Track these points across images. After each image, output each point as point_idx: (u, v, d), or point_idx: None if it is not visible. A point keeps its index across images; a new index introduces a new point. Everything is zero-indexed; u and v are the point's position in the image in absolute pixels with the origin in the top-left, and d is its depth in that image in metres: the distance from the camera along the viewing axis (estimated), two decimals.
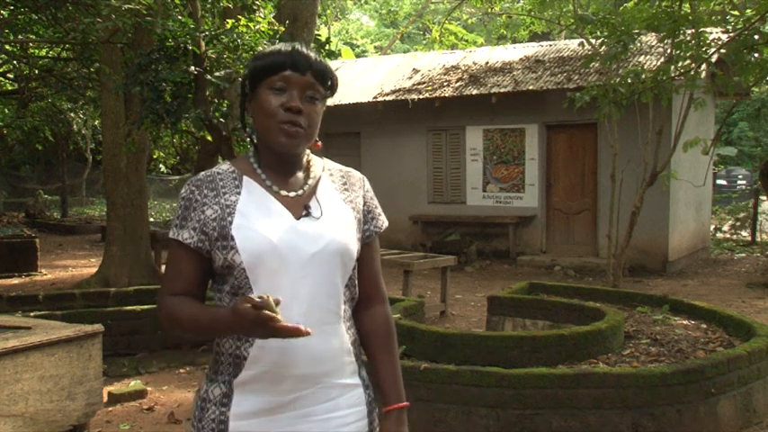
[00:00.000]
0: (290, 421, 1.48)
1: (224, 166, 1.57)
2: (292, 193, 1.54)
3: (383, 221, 1.68)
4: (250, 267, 1.45)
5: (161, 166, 18.13)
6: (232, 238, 1.45)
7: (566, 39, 14.71)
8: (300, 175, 1.58)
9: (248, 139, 1.62)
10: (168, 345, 5.53)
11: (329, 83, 1.54)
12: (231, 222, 1.47)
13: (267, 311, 1.28)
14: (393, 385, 1.61)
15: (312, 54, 1.52)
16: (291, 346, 1.44)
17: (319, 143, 1.60)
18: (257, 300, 1.29)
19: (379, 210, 1.68)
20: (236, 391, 1.48)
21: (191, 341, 5.57)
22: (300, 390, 1.48)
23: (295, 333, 1.29)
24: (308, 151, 1.61)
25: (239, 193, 1.51)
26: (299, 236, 1.48)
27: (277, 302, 1.31)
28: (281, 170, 1.55)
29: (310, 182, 1.58)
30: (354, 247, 1.55)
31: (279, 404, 1.47)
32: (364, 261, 1.62)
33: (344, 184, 1.63)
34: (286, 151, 1.51)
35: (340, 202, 1.58)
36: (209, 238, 1.49)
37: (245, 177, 1.54)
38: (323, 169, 1.63)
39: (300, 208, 1.52)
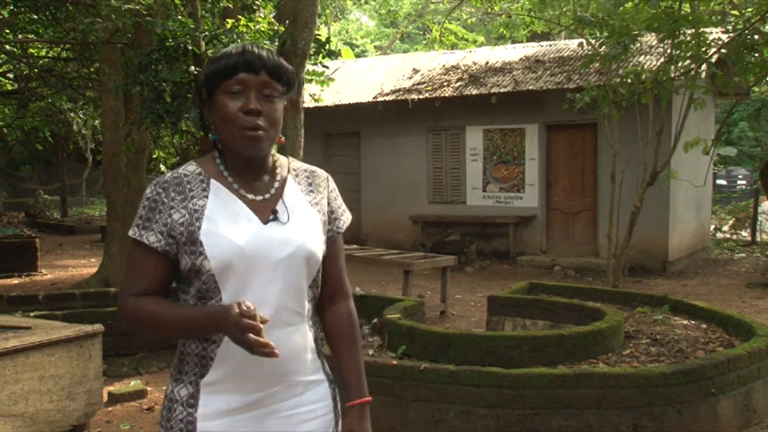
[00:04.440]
0: (256, 419, 1.51)
1: (190, 168, 1.56)
2: (259, 197, 1.54)
3: (345, 221, 1.69)
4: (219, 273, 1.46)
5: (161, 165, 18.13)
6: (201, 244, 1.46)
7: (566, 39, 14.72)
8: (267, 177, 1.58)
9: (212, 143, 1.61)
10: (168, 345, 5.52)
11: (285, 79, 1.53)
12: (199, 228, 1.47)
13: (248, 324, 1.33)
14: (356, 381, 1.62)
15: (264, 52, 1.51)
16: None
17: (282, 138, 1.60)
18: (245, 308, 1.34)
19: (343, 208, 1.69)
20: (202, 392, 1.49)
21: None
22: (266, 389, 1.50)
23: (266, 353, 1.33)
24: (273, 151, 1.61)
25: (207, 197, 1.51)
26: (267, 241, 1.49)
27: (264, 321, 1.36)
28: (247, 173, 1.55)
29: (277, 185, 1.58)
30: (320, 250, 1.57)
31: (245, 403, 1.49)
32: (328, 259, 1.63)
33: (310, 185, 1.64)
34: (250, 155, 1.51)
35: (306, 204, 1.59)
36: (176, 242, 1.49)
37: (212, 181, 1.53)
38: (288, 170, 1.63)
39: (268, 212, 1.53)
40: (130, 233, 1.53)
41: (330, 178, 1.70)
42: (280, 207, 1.54)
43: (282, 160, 1.64)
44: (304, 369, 1.56)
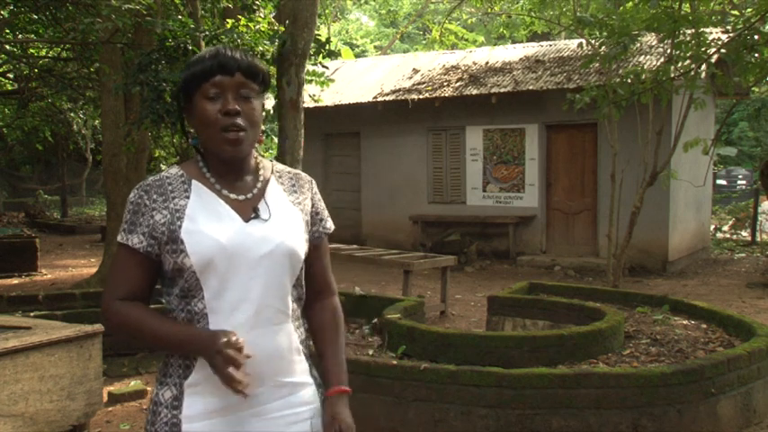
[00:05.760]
0: (241, 420, 1.50)
1: (173, 170, 1.58)
2: (241, 197, 1.56)
3: (330, 224, 1.72)
4: (200, 270, 1.47)
5: (162, 165, 18.14)
6: (182, 242, 1.47)
7: (566, 39, 14.71)
8: (249, 178, 1.60)
9: (193, 148, 1.63)
10: None
11: (260, 78, 1.55)
12: (180, 226, 1.48)
13: (232, 357, 1.38)
14: (335, 371, 1.62)
15: (238, 53, 1.53)
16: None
17: (262, 137, 1.62)
18: (234, 340, 1.40)
19: (327, 213, 1.73)
20: (186, 393, 1.49)
21: None
22: (252, 389, 1.49)
23: (237, 390, 1.39)
24: (255, 153, 1.63)
25: (188, 197, 1.52)
26: (248, 238, 1.50)
27: (247, 356, 1.41)
28: (229, 174, 1.57)
29: (259, 185, 1.60)
30: (302, 248, 1.59)
31: (230, 404, 1.48)
32: (314, 260, 1.66)
33: (293, 185, 1.66)
34: (232, 156, 1.53)
35: (289, 204, 1.61)
36: (158, 243, 1.50)
37: (193, 181, 1.55)
38: (272, 171, 1.65)
39: (250, 211, 1.54)
40: (118, 238, 1.54)
41: (314, 182, 1.72)
42: (261, 205, 1.56)
43: (266, 162, 1.66)
44: (290, 370, 1.56)
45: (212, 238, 1.47)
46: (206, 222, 1.49)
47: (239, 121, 1.50)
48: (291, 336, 1.56)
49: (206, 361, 1.43)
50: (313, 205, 1.68)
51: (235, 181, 1.57)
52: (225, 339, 1.39)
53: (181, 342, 1.47)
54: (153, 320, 1.50)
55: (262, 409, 1.52)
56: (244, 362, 1.39)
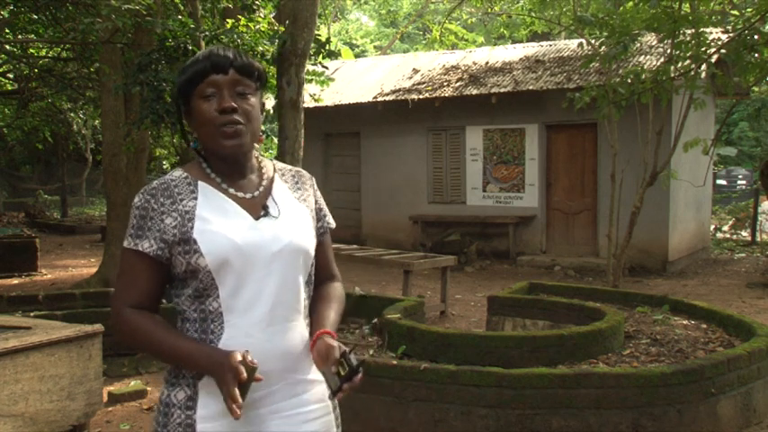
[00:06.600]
0: (258, 419, 1.50)
1: (176, 173, 1.57)
2: (248, 195, 1.57)
3: (332, 219, 1.76)
4: (215, 269, 1.47)
5: (164, 162, 18.14)
6: (195, 242, 1.47)
7: (566, 39, 14.71)
8: (253, 176, 1.61)
9: (195, 152, 1.63)
10: None
11: (256, 75, 1.56)
12: (192, 227, 1.48)
13: (242, 371, 1.35)
14: (321, 321, 1.58)
15: (231, 52, 1.54)
16: (255, 344, 1.47)
17: (262, 137, 1.62)
18: (249, 360, 1.38)
19: (327, 209, 1.76)
20: (201, 393, 1.48)
21: None
22: (265, 387, 1.49)
23: (231, 410, 1.36)
24: (256, 153, 1.64)
25: (196, 198, 1.52)
26: (260, 235, 1.51)
27: (257, 380, 1.39)
28: (233, 173, 1.58)
29: (264, 183, 1.60)
30: (313, 244, 1.61)
31: (245, 403, 1.46)
32: (320, 255, 1.68)
33: (296, 183, 1.68)
34: (233, 153, 1.53)
35: (294, 201, 1.63)
36: (168, 246, 1.49)
37: (200, 182, 1.55)
38: (274, 170, 1.67)
39: (258, 208, 1.55)
40: (125, 244, 1.52)
41: (314, 179, 1.75)
42: (270, 203, 1.57)
43: (267, 162, 1.68)
44: (303, 368, 1.56)
45: (226, 237, 1.47)
46: (217, 222, 1.49)
47: (236, 117, 1.51)
48: (304, 333, 1.57)
49: (214, 378, 1.42)
50: (316, 201, 1.70)
51: (239, 179, 1.58)
52: (239, 359, 1.37)
53: (190, 356, 1.45)
54: (164, 334, 1.48)
55: (278, 407, 1.51)
56: (249, 385, 1.38)
